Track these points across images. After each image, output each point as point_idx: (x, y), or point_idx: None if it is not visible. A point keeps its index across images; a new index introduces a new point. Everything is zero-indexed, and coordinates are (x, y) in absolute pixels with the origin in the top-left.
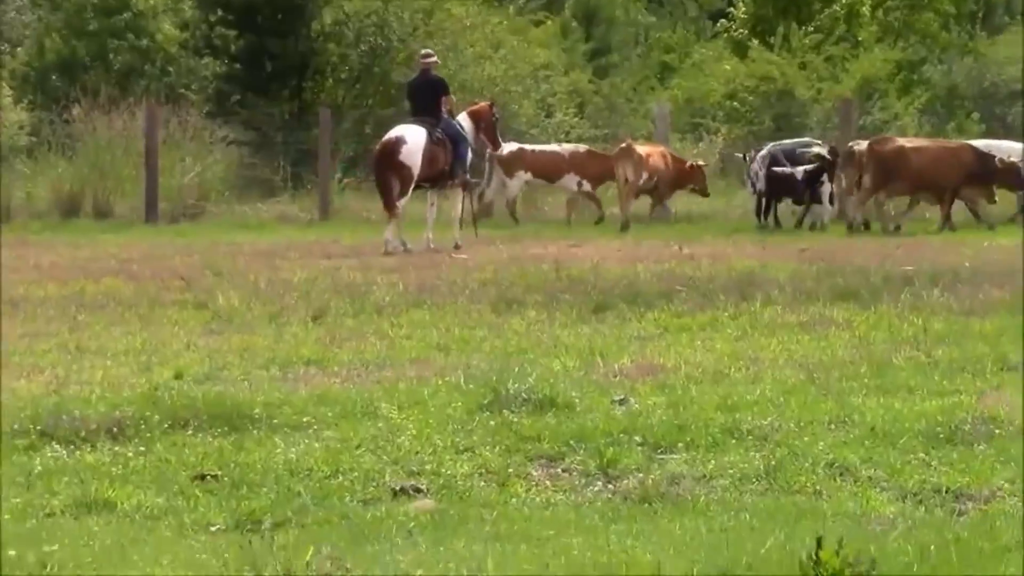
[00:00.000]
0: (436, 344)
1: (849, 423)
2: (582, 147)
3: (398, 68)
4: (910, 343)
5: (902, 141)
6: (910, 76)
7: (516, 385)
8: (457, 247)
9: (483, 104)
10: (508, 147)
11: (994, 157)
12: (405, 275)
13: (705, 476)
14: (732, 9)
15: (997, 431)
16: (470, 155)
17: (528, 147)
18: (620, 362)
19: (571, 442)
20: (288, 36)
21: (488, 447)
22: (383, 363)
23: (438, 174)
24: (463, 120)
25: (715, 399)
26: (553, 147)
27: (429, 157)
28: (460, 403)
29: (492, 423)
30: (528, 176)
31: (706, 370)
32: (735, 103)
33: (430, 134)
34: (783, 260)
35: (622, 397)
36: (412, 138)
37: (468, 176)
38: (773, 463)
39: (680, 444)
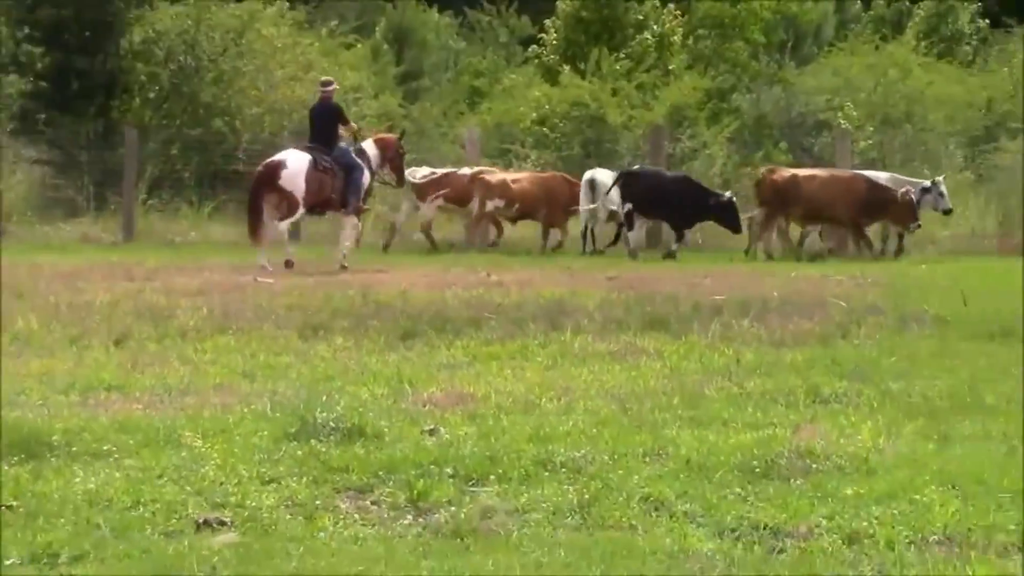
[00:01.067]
0: (241, 371)
1: (664, 456)
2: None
3: (207, 88)
4: (722, 374)
5: (796, 171)
6: (719, 104)
7: (324, 414)
8: (343, 268)
9: (390, 136)
10: (420, 171)
11: (889, 190)
12: (209, 299)
13: (518, 510)
14: (543, 35)
15: (814, 466)
16: (365, 182)
17: (440, 171)
18: (429, 391)
19: (380, 473)
20: (96, 54)
21: (295, 478)
22: (187, 389)
23: (326, 201)
24: (369, 146)
25: (527, 430)
26: (464, 171)
27: (315, 183)
28: (266, 432)
29: (299, 453)
30: (441, 201)
31: (517, 400)
32: (545, 129)
33: (315, 160)
34: (591, 288)
35: (432, 427)
36: (294, 163)
37: (361, 203)
38: (587, 496)
39: (492, 476)
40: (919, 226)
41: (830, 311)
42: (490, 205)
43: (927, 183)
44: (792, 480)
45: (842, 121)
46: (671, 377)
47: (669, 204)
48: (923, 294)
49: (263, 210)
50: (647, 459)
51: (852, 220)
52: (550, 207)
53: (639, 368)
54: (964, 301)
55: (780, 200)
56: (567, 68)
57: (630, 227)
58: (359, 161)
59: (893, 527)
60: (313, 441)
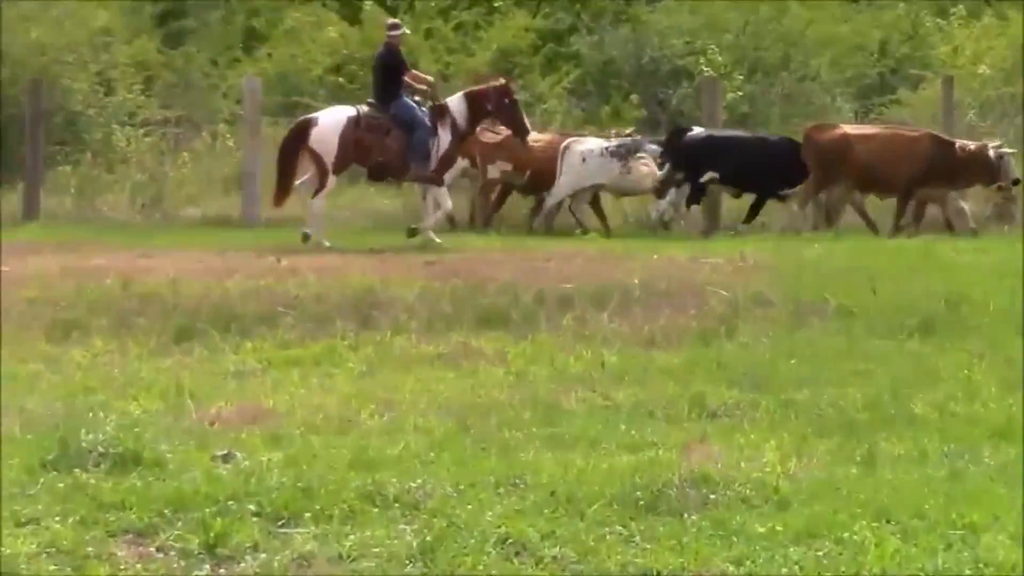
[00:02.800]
0: None
1: (521, 485)
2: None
3: None
4: (581, 381)
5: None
6: (556, 49)
7: (89, 436)
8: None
9: (491, 85)
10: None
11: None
12: None
13: (342, 556)
14: None
15: (712, 496)
16: (434, 144)
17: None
18: (217, 405)
19: (166, 511)
20: None
21: (57, 518)
22: None
23: (378, 165)
24: (455, 103)
25: (345, 454)
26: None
27: (354, 143)
28: (16, 460)
29: (60, 486)
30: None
31: (329, 416)
32: (341, 79)
33: (356, 117)
34: (407, 275)
35: (226, 452)
36: (327, 120)
37: (428, 169)
38: (429, 539)
39: (307, 514)
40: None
41: (708, 302)
42: (494, 171)
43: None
44: (686, 515)
45: (705, 68)
46: (518, 386)
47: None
48: (821, 280)
49: (292, 174)
50: (500, 490)
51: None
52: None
53: (477, 375)
54: (873, 289)
55: (828, 166)
56: (370, 2)
57: (695, 199)
58: (425, 119)
59: (819, 573)
60: (77, 471)
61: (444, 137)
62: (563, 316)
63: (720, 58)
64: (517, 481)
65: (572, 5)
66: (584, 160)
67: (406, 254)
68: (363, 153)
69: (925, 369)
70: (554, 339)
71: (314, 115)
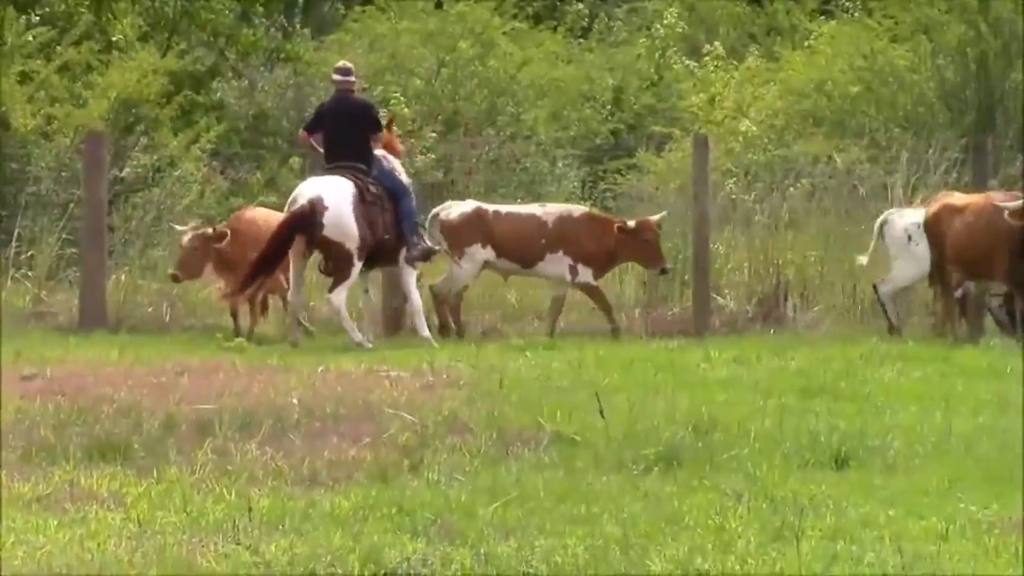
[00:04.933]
0: None
1: None
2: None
3: None
4: (223, 532)
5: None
6: (193, 97)
7: None
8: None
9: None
10: (458, 206)
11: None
12: None
13: None
14: None
15: None
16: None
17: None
18: None
19: None
20: None
21: None
22: None
23: (379, 247)
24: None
25: None
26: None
27: (368, 223)
28: None
29: None
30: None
31: None
32: None
33: (361, 190)
34: None
35: None
36: (335, 197)
37: (425, 242)
38: None
39: None
40: None
41: (388, 428)
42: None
43: None
44: None
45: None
46: (141, 537)
47: None
48: (531, 399)
49: (298, 266)
50: None
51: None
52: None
53: (87, 523)
54: (600, 410)
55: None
56: None
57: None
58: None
59: None
60: None
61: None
62: (199, 447)
63: (407, 110)
64: None
65: (213, 40)
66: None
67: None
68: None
69: (666, 514)
70: (188, 475)
71: (313, 196)
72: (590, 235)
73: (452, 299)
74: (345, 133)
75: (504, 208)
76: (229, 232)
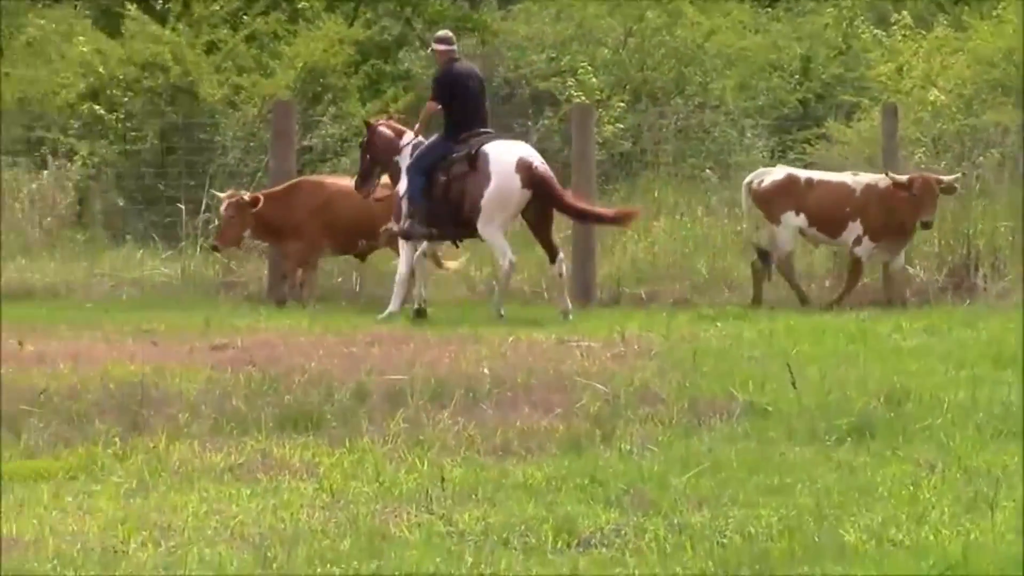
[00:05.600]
0: None
1: None
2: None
3: None
4: (415, 501)
5: None
6: (380, 67)
7: None
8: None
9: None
10: (769, 174)
11: None
12: None
13: None
14: None
15: None
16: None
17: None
18: None
19: None
20: None
21: None
22: None
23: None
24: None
25: None
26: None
27: None
28: None
29: None
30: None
31: (89, 547)
32: (99, 107)
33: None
34: (189, 363)
35: None
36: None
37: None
38: None
39: None
40: None
41: (579, 398)
42: None
43: None
44: None
45: (575, 93)
46: (333, 507)
47: None
48: (723, 369)
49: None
50: None
51: None
52: None
53: (280, 493)
54: (792, 381)
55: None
56: (134, 7)
57: None
58: None
59: None
60: None
61: None
62: (391, 416)
63: (595, 80)
64: None
65: (400, 10)
66: None
67: (186, 335)
68: None
69: (859, 485)
70: (380, 446)
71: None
72: (887, 209)
73: (786, 268)
74: (481, 100)
75: (816, 175)
76: (261, 198)
